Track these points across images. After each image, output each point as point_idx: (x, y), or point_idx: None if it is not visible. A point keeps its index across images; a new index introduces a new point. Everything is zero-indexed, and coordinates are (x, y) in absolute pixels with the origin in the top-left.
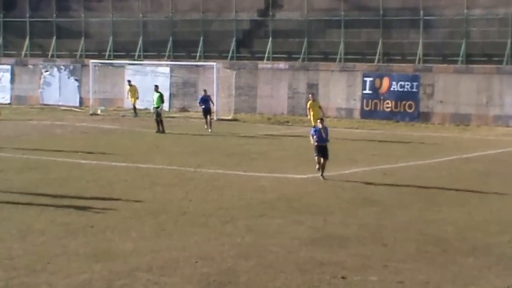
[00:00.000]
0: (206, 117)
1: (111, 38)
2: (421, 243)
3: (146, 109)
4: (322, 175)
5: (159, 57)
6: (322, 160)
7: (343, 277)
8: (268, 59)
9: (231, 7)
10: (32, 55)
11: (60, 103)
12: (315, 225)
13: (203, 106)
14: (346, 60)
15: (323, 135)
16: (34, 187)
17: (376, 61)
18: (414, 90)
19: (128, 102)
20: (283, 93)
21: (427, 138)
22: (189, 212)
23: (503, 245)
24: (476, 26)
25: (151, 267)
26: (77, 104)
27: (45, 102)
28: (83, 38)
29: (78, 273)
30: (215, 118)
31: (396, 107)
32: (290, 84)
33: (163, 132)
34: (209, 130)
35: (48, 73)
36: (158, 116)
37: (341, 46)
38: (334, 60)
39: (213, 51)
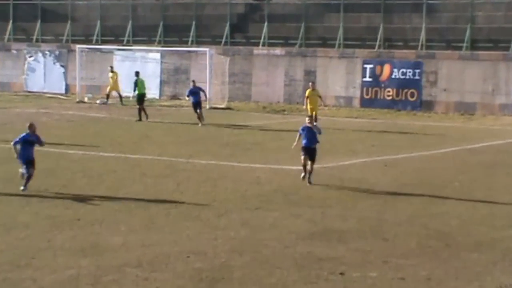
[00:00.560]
0: (196, 111)
1: (98, 22)
2: (423, 238)
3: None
4: (309, 180)
5: (149, 42)
6: (309, 163)
7: (341, 273)
8: (263, 45)
9: None
10: (16, 40)
11: (45, 90)
12: (313, 218)
13: (192, 100)
14: (346, 46)
15: (312, 135)
16: (18, 178)
17: (376, 47)
18: (417, 77)
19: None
20: (279, 80)
21: (430, 128)
22: (181, 205)
23: (509, 240)
24: (481, 11)
25: (140, 262)
26: (63, 91)
27: (29, 89)
28: (69, 21)
29: (64, 268)
30: (207, 106)
31: (397, 95)
32: (287, 71)
33: (139, 120)
34: (200, 124)
35: (32, 58)
36: (140, 103)
37: (340, 31)
38: (332, 46)
39: (206, 36)
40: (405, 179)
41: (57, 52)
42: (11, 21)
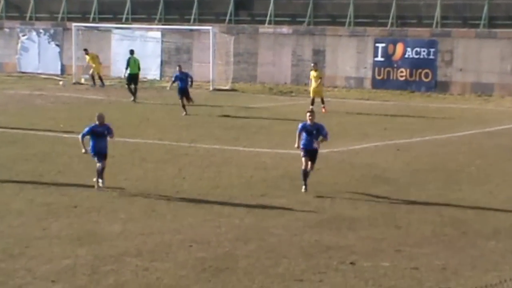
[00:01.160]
0: (182, 99)
1: None
2: (438, 225)
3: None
4: (305, 185)
5: (149, 20)
6: (309, 165)
7: (352, 263)
8: (269, 23)
9: None
10: (8, 18)
11: (39, 71)
12: (322, 205)
13: (179, 85)
14: (356, 24)
15: (314, 135)
16: (11, 163)
17: (389, 25)
18: (431, 57)
19: (115, 71)
20: (286, 60)
21: (445, 110)
22: (183, 191)
23: None
24: None
25: (140, 251)
26: (59, 72)
27: (23, 70)
28: None
29: (60, 257)
30: (211, 88)
31: (411, 76)
32: (294, 50)
33: (134, 100)
34: (184, 113)
35: (26, 37)
36: (135, 84)
37: (351, 8)
38: (342, 24)
39: (209, 14)
40: (418, 164)
41: (52, 31)
42: None
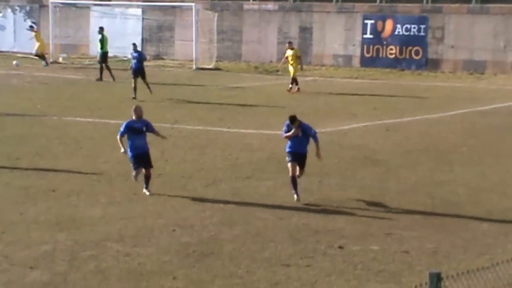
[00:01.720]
0: (135, 79)
1: None
2: (429, 208)
3: (115, 56)
4: (297, 194)
5: None
6: (298, 171)
7: (340, 247)
8: None
9: None
10: None
11: (15, 50)
12: (309, 187)
13: (133, 66)
14: (344, 0)
15: (301, 139)
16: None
17: (378, 0)
18: (422, 34)
19: (94, 49)
20: (272, 38)
21: (436, 89)
22: (166, 174)
23: None
24: None
25: (122, 236)
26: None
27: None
28: None
29: (38, 243)
30: (194, 67)
31: (401, 53)
32: (280, 27)
33: (100, 79)
34: (133, 95)
35: (0, 15)
36: (104, 62)
37: None
38: (330, 0)
39: None
40: (409, 145)
41: (28, 8)
42: None
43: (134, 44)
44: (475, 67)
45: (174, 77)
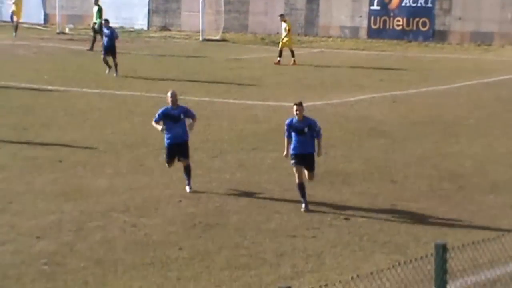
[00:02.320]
0: (105, 55)
1: None
2: (435, 179)
3: (121, 27)
4: (305, 202)
5: None
6: (306, 173)
7: (346, 218)
8: None
9: None
10: None
11: (21, 20)
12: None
13: (105, 42)
14: None
15: (305, 138)
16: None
17: None
18: (429, 5)
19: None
20: (279, 9)
21: (443, 61)
22: None
23: None
24: None
25: (128, 207)
26: (42, 21)
27: (3, 19)
28: None
29: (45, 213)
30: (200, 38)
31: (408, 25)
32: None
33: (91, 49)
34: (107, 71)
35: None
36: (95, 33)
37: None
38: None
39: None
40: (415, 117)
41: None
42: None
43: (106, 20)
44: (482, 39)
45: (181, 49)
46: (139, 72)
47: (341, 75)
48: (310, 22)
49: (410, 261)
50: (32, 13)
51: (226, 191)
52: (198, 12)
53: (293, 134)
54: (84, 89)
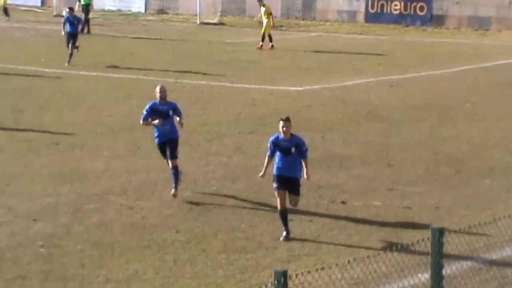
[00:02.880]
0: (69, 44)
1: None
2: (432, 163)
3: (118, 10)
4: (286, 230)
5: None
6: (288, 199)
7: (343, 202)
8: None
9: None
10: None
11: (18, 3)
12: (313, 143)
13: (68, 29)
14: None
15: (293, 155)
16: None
17: None
18: None
19: (97, 2)
20: None
21: (441, 45)
22: None
23: None
24: None
25: (125, 190)
26: (39, 3)
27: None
28: None
29: (42, 196)
30: (198, 22)
31: (405, 9)
32: None
33: (88, 32)
34: (66, 64)
35: None
36: (87, 14)
37: None
38: None
39: None
40: (412, 101)
41: None
42: None
43: (71, 8)
44: (480, 24)
45: (178, 32)
46: (136, 55)
47: (338, 59)
48: (308, 6)
49: (407, 245)
50: None
51: (223, 175)
52: None
53: (277, 153)
54: (81, 72)
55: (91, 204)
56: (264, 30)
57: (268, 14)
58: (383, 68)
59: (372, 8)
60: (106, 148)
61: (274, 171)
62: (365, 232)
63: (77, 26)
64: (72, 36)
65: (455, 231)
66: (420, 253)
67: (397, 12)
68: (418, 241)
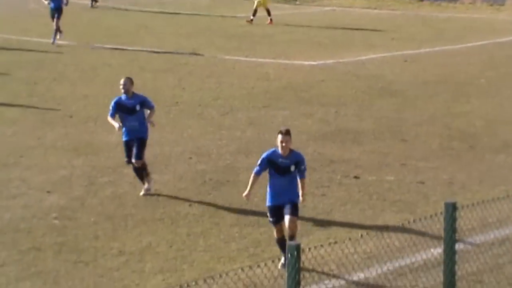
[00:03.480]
0: (53, 20)
1: None
2: (445, 139)
3: None
4: (285, 261)
5: None
6: (286, 223)
7: (356, 177)
8: None
9: None
10: None
11: None
12: (326, 118)
13: (51, 5)
14: None
15: (292, 174)
16: (4, 70)
17: None
18: None
19: None
20: None
21: (455, 20)
22: (183, 102)
23: None
24: None
25: None
26: None
27: None
28: None
29: (56, 168)
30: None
31: None
32: None
33: (96, 1)
34: (52, 40)
35: None
36: None
37: None
38: None
39: None
40: (426, 76)
41: None
42: None
43: None
44: None
45: (192, 5)
46: (150, 29)
47: (352, 34)
48: None
49: (420, 219)
50: None
51: (236, 149)
52: None
53: (272, 173)
54: (96, 44)
55: (105, 177)
56: (264, 3)
57: None
58: (397, 42)
59: None
60: None
61: (269, 201)
62: (378, 207)
63: (61, 0)
64: (56, 11)
65: (468, 206)
66: (433, 228)
67: None
68: (431, 216)
